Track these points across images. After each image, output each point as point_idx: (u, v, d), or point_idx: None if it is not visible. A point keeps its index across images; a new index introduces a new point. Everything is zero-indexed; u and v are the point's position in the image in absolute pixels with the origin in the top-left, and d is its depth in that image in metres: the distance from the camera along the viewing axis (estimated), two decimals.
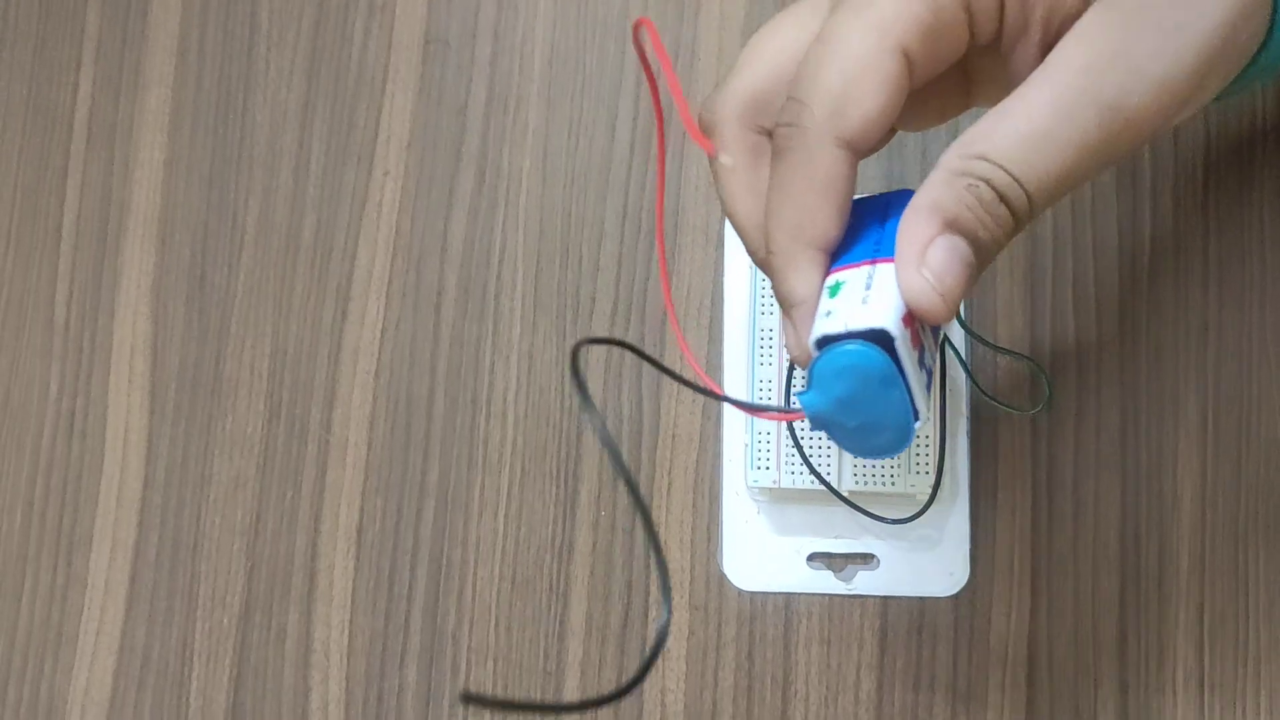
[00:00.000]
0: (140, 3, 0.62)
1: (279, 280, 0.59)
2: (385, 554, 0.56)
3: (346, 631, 0.56)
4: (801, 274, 0.35)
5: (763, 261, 0.36)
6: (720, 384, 0.54)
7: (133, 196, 0.61)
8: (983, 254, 0.34)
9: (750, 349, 0.53)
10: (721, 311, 0.55)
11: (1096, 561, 0.51)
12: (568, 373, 0.56)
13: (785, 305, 0.36)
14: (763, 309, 0.52)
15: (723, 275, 0.55)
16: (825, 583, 0.52)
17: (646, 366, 0.55)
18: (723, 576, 0.53)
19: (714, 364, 0.55)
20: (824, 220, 0.35)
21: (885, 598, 0.52)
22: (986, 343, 0.50)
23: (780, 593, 0.53)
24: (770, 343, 0.52)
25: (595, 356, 0.56)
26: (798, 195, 0.34)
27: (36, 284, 0.61)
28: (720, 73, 0.57)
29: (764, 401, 0.52)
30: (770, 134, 0.36)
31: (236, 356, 0.59)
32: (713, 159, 0.38)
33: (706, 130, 0.37)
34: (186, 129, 0.61)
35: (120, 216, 0.61)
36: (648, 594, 0.54)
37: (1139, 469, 0.51)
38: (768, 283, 0.52)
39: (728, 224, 0.54)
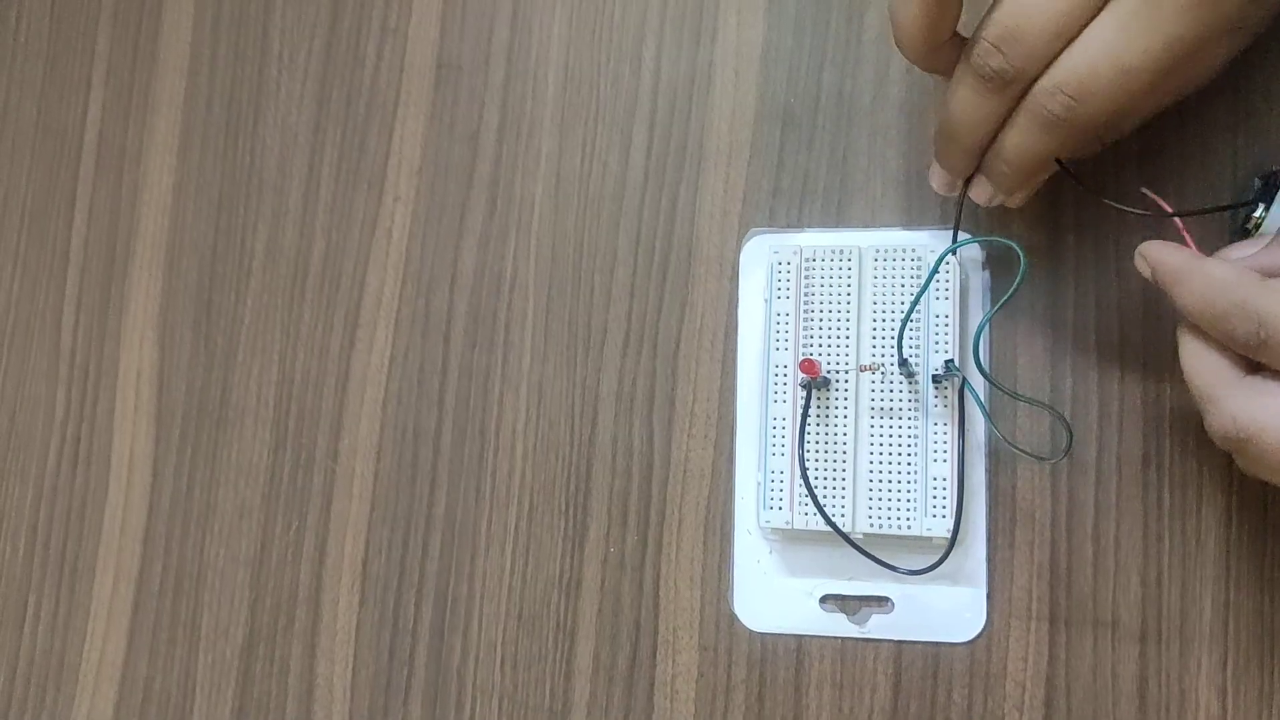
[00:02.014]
0: (151, 23, 0.62)
1: (287, 306, 0.58)
2: (390, 587, 0.55)
3: (350, 666, 0.55)
4: (1025, 184, 0.46)
5: (955, 162, 0.46)
6: (732, 419, 0.53)
7: (141, 220, 0.60)
8: None
9: (764, 383, 0.51)
10: (735, 345, 0.54)
11: (1117, 605, 0.50)
12: (580, 403, 0.55)
13: (1001, 191, 0.46)
14: (777, 344, 0.51)
15: (737, 308, 0.54)
16: (838, 625, 0.51)
17: (659, 400, 0.54)
18: (733, 616, 0.52)
19: (726, 398, 0.53)
20: (1055, 158, 0.44)
21: (899, 641, 0.51)
22: (1007, 391, 0.49)
23: (792, 634, 0.52)
24: (784, 378, 0.51)
25: (606, 389, 0.55)
26: (1051, 151, 0.43)
27: (43, 308, 0.61)
28: (737, 97, 0.55)
29: None
30: None
31: (243, 384, 0.58)
32: None
33: (991, 83, 0.42)
34: (195, 152, 0.61)
35: (128, 240, 0.60)
36: (656, 634, 0.53)
37: (1161, 511, 0.50)
38: (781, 318, 0.51)
39: (743, 255, 0.54)
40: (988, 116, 0.43)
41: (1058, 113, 0.41)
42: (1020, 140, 0.43)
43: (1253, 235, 0.47)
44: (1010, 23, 0.40)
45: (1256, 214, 0.47)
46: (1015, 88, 0.42)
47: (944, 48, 0.44)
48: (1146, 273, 0.44)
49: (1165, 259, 0.43)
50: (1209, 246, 0.47)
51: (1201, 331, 0.42)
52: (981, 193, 0.47)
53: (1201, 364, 0.42)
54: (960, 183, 0.48)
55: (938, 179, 0.48)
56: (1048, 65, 0.41)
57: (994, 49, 0.41)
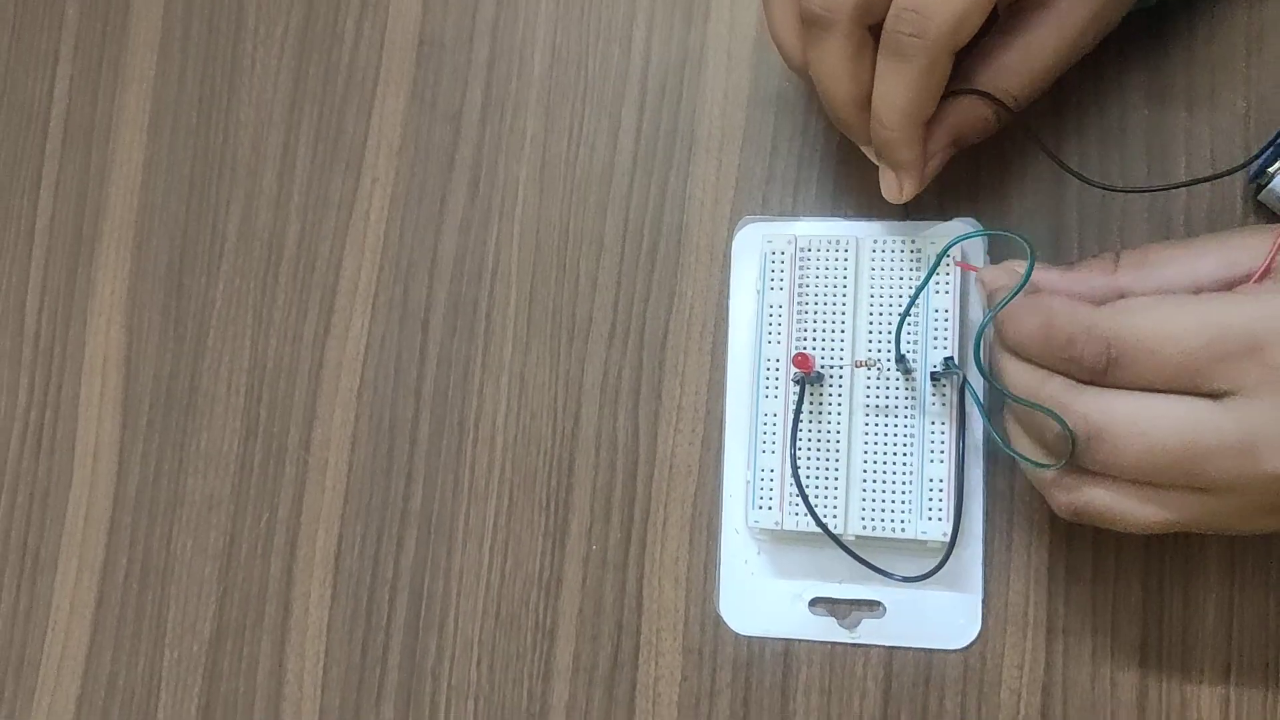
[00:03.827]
0: None
1: (259, 291, 0.57)
2: (364, 583, 0.54)
3: (321, 663, 0.54)
4: (914, 145, 0.45)
5: (850, 128, 0.47)
6: (722, 414, 0.51)
7: (109, 199, 0.59)
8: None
9: (755, 377, 0.50)
10: (726, 337, 0.52)
11: (1116, 611, 0.48)
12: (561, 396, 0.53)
13: (897, 166, 0.46)
14: (769, 338, 0.49)
15: (728, 299, 0.52)
16: (827, 630, 0.50)
17: (646, 393, 0.52)
18: (719, 619, 0.51)
19: (715, 392, 0.52)
20: (931, 104, 0.44)
21: (891, 647, 0.49)
22: (1009, 395, 0.47)
23: (779, 638, 0.50)
24: (777, 373, 0.49)
25: (590, 380, 0.53)
26: (917, 89, 0.43)
27: (6, 289, 0.59)
28: (730, 80, 0.54)
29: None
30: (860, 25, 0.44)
31: (213, 370, 0.56)
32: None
33: (816, 21, 0.43)
34: (167, 129, 0.59)
35: (95, 220, 0.59)
36: (639, 635, 0.51)
37: None
38: (774, 310, 0.50)
39: (735, 244, 0.52)
40: (837, 65, 0.44)
41: (906, 30, 0.42)
42: (886, 86, 0.44)
43: (1265, 190, 0.47)
44: None
45: (1271, 168, 0.47)
46: (844, 21, 0.43)
47: None
48: (984, 298, 0.45)
49: (999, 276, 0.44)
50: (1223, 210, 0.48)
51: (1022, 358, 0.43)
52: (887, 186, 0.47)
53: (1036, 380, 0.42)
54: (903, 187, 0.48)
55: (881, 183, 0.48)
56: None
57: None
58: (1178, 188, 0.49)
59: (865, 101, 0.45)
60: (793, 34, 0.46)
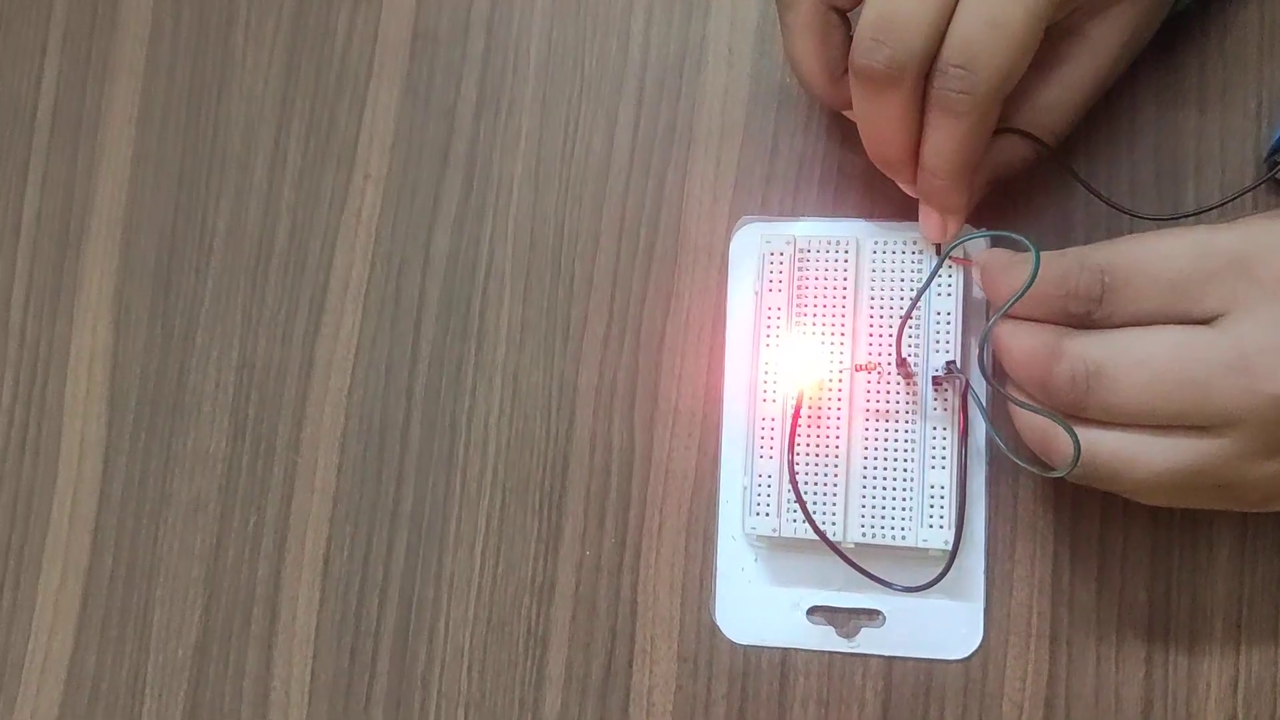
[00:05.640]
0: None
1: (249, 288, 0.55)
2: (352, 587, 0.53)
3: (309, 669, 0.53)
4: (964, 190, 0.45)
5: (900, 173, 0.46)
6: (719, 418, 0.50)
7: (97, 194, 0.58)
8: None
9: (754, 382, 0.49)
10: (723, 339, 0.51)
11: (1121, 621, 0.47)
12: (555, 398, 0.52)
13: (944, 210, 0.46)
14: (768, 340, 0.48)
15: (726, 300, 0.51)
16: (826, 639, 0.49)
17: (641, 395, 0.51)
18: (715, 627, 0.50)
19: (713, 395, 0.51)
20: (981, 151, 0.44)
21: (890, 657, 0.48)
22: (1012, 399, 0.47)
23: (776, 647, 0.49)
24: (775, 376, 0.48)
25: (585, 382, 0.52)
26: (969, 141, 0.43)
27: None
28: (730, 76, 0.53)
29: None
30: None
31: (201, 369, 0.55)
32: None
33: (877, 79, 0.42)
34: (156, 123, 0.58)
35: (83, 215, 0.58)
36: (633, 643, 0.50)
37: (1171, 519, 0.48)
38: (773, 312, 0.49)
39: (733, 244, 0.51)
40: (896, 120, 0.43)
41: (955, 88, 0.41)
42: (937, 139, 0.43)
43: None
44: (883, 9, 0.41)
45: None
46: (908, 80, 0.42)
47: (846, 81, 0.45)
48: (978, 280, 0.45)
49: (996, 256, 0.44)
50: (1236, 206, 0.48)
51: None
52: (930, 226, 0.47)
53: (1032, 332, 0.42)
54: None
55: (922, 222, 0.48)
56: (931, 52, 0.41)
57: (875, 42, 0.41)
58: (1211, 210, 0.48)
59: (916, 149, 0.45)
60: (823, 73, 0.46)
